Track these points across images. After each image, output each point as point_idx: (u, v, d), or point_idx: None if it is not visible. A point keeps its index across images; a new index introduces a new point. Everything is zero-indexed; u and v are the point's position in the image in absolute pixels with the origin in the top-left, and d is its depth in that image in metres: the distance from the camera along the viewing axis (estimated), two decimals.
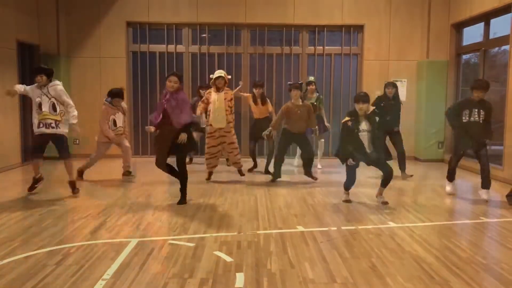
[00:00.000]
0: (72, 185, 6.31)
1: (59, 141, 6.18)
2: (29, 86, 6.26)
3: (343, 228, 4.86)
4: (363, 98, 5.69)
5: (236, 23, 10.27)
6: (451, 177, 6.55)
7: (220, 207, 5.77)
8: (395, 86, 7.88)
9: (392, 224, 5.01)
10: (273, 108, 8.57)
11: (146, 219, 5.15)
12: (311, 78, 8.90)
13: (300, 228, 4.82)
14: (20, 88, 6.32)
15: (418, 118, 10.11)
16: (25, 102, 9.30)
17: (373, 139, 5.73)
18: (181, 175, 5.91)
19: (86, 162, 7.53)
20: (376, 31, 10.18)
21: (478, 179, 7.86)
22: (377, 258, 3.96)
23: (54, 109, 6.06)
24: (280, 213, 5.46)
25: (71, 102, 6.18)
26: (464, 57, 10.06)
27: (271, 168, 7.69)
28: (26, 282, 3.39)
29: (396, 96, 7.86)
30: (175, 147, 5.74)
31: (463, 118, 6.19)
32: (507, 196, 6.18)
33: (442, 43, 9.77)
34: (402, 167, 7.84)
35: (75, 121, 6.17)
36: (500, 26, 8.47)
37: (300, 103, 7.21)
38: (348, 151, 5.69)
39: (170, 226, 4.87)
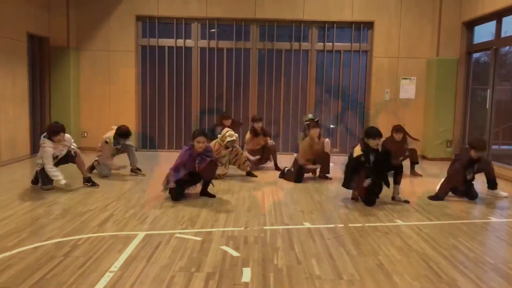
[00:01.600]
0: (88, 181, 6.50)
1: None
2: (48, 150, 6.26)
3: (350, 225, 4.85)
4: (379, 134, 5.68)
5: (245, 18, 10.24)
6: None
7: (227, 202, 5.78)
8: (402, 130, 7.78)
9: (399, 222, 4.99)
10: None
11: (154, 212, 5.17)
12: (310, 116, 8.48)
13: (307, 225, 4.81)
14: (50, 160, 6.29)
15: (427, 116, 10.05)
16: (34, 95, 9.38)
17: (378, 170, 5.72)
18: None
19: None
20: (386, 28, 10.12)
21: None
22: (384, 256, 3.94)
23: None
24: (287, 209, 5.46)
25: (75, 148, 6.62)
26: (474, 55, 9.97)
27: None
28: (34, 273, 3.42)
29: (404, 140, 7.80)
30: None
31: (468, 176, 6.12)
32: None
33: (453, 41, 9.68)
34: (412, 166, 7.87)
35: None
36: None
37: (318, 139, 7.28)
38: (353, 182, 5.74)
39: (177, 220, 4.88)
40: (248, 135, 8.33)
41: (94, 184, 6.47)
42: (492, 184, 6.37)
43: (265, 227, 4.70)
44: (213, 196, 5.97)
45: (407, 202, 5.90)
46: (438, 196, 6.14)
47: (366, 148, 5.69)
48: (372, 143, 5.67)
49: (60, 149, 6.37)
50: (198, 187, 6.03)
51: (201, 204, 5.59)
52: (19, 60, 8.65)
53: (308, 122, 7.72)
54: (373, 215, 5.28)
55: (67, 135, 6.50)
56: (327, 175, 7.46)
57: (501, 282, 3.48)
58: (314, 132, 7.21)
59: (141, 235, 4.35)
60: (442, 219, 5.22)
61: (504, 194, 6.41)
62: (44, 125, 9.65)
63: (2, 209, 5.18)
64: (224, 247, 4.04)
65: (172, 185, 5.67)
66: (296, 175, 7.13)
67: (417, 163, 7.99)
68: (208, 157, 5.72)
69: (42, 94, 9.69)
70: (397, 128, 7.80)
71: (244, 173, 7.58)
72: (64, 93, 9.82)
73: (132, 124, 10.14)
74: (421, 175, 7.88)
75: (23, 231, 4.39)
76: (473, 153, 6.04)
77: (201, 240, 4.22)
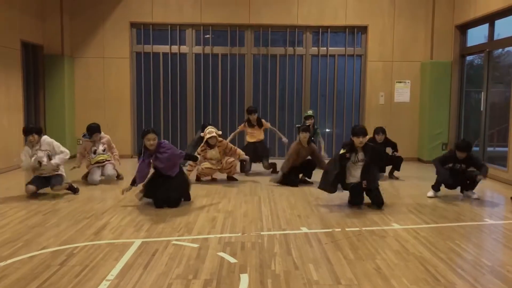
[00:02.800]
0: (70, 188, 6.49)
1: (58, 178, 6.38)
2: (22, 153, 6.32)
3: (347, 229, 4.84)
4: (362, 133, 5.74)
5: (239, 24, 10.27)
6: (437, 187, 6.53)
7: (223, 208, 5.77)
8: (384, 132, 7.88)
9: (396, 226, 4.99)
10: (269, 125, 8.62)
11: (150, 219, 5.14)
12: (310, 112, 8.75)
13: (304, 229, 4.80)
14: (27, 161, 6.35)
15: (421, 119, 10.09)
16: (29, 103, 9.35)
17: (368, 168, 5.75)
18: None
19: None
20: (380, 32, 10.17)
21: (482, 181, 7.86)
22: (382, 260, 3.94)
23: (50, 159, 6.29)
24: (284, 214, 5.45)
25: (66, 150, 6.41)
26: (468, 58, 10.03)
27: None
28: (30, 282, 3.39)
29: (385, 141, 7.91)
30: (170, 191, 5.75)
31: (447, 165, 6.38)
32: None
33: (446, 44, 9.74)
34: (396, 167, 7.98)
35: (58, 162, 6.30)
36: (505, 27, 8.45)
37: (307, 145, 7.29)
38: (331, 181, 5.75)
39: (173, 227, 4.86)
40: (240, 126, 8.45)
41: (74, 190, 6.47)
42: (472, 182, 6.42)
43: (262, 233, 4.68)
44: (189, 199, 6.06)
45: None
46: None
47: (351, 146, 5.75)
48: (356, 140, 5.72)
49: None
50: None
51: (197, 211, 5.57)
52: (13, 68, 8.62)
53: (298, 126, 7.75)
54: (370, 219, 5.27)
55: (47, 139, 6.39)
56: (307, 179, 7.48)
57: (499, 284, 3.48)
58: (304, 136, 7.22)
59: (137, 242, 4.33)
60: (439, 221, 5.22)
61: (475, 195, 6.45)
62: None
63: None
64: (221, 254, 4.02)
65: (140, 194, 5.88)
66: (280, 180, 7.26)
67: (398, 170, 8.00)
68: (164, 153, 5.69)
69: (36, 102, 9.67)
70: (379, 130, 7.86)
71: (226, 177, 7.63)
72: (58, 101, 9.78)
73: (127, 131, 10.16)
74: (397, 178, 7.94)
75: (19, 240, 4.36)
76: (458, 154, 6.25)
77: (198, 247, 4.20)
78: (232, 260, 3.88)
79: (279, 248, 4.20)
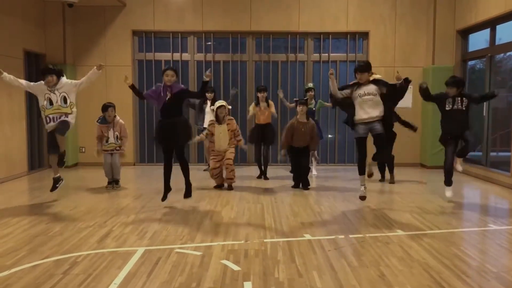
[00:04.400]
0: (61, 158, 6.39)
1: (65, 123, 6.21)
2: (33, 83, 6.38)
3: (350, 236, 4.82)
4: (361, 67, 5.92)
5: (241, 31, 10.30)
6: (448, 180, 6.49)
7: (226, 215, 5.76)
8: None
9: (400, 232, 4.97)
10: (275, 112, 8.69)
11: (153, 227, 5.13)
12: (310, 85, 8.96)
13: (308, 237, 4.79)
14: (22, 82, 6.41)
15: (424, 124, 10.07)
16: (32, 111, 9.37)
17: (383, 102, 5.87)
18: (183, 166, 6.06)
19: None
20: (381, 38, 10.18)
21: (484, 185, 7.85)
22: (386, 266, 3.92)
23: (65, 101, 6.21)
24: (287, 221, 5.43)
25: (80, 81, 6.42)
26: (470, 63, 10.03)
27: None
28: None
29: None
30: (174, 138, 5.91)
31: (447, 106, 6.39)
32: None
33: (448, 49, 9.74)
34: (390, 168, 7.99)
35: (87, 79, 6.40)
36: (506, 32, 8.45)
37: (305, 120, 7.35)
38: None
39: (176, 235, 4.85)
40: (252, 106, 8.48)
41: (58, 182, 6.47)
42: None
43: (265, 240, 4.67)
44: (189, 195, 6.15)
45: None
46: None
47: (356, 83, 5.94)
48: (357, 77, 5.87)
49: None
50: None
51: (200, 218, 5.56)
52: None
53: (296, 99, 7.84)
54: (374, 225, 5.25)
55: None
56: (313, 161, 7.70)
57: None
58: (301, 109, 7.30)
59: (140, 250, 4.32)
60: (442, 227, 5.20)
61: (460, 168, 6.48)
62: (42, 142, 9.64)
63: (0, 227, 5.13)
64: (225, 261, 4.01)
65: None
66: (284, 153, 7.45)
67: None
68: (178, 88, 5.95)
69: (39, 111, 9.65)
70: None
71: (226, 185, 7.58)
72: None
73: (130, 139, 10.14)
74: (393, 183, 7.94)
75: (22, 249, 4.35)
76: (447, 90, 6.37)
77: (201, 255, 4.19)
78: (236, 267, 3.87)
79: (282, 256, 4.18)
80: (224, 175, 7.45)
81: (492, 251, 4.49)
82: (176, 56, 10.44)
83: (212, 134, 7.39)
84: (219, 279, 3.63)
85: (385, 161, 7.26)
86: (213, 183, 7.51)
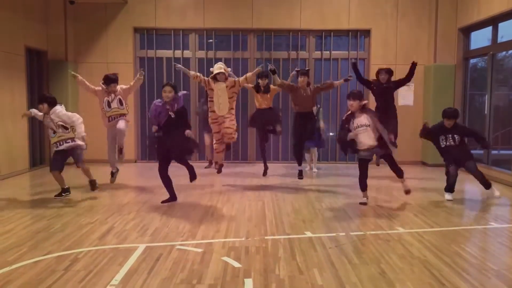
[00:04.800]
0: (92, 184, 6.72)
1: (75, 151, 6.52)
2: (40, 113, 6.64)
3: (351, 233, 4.82)
4: (353, 95, 5.93)
5: (242, 28, 10.30)
6: (451, 189, 6.51)
7: (227, 212, 5.76)
8: (388, 72, 7.87)
9: (400, 230, 4.98)
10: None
11: (154, 224, 5.14)
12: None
13: (308, 234, 4.79)
14: (34, 112, 6.80)
15: None
16: (33, 108, 9.37)
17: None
18: (188, 166, 6.10)
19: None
20: (383, 36, 10.16)
21: None
22: (386, 264, 3.92)
23: (65, 128, 6.42)
24: (287, 219, 5.44)
25: (75, 119, 6.46)
26: (472, 61, 10.01)
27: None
28: (35, 287, 3.40)
29: (390, 82, 7.91)
30: (175, 153, 5.96)
31: (441, 143, 6.45)
32: None
33: (450, 47, 9.72)
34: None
35: (80, 131, 6.47)
36: (507, 31, 8.43)
37: (306, 87, 7.49)
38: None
39: (177, 231, 4.86)
40: (254, 93, 8.39)
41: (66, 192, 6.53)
42: (482, 142, 6.49)
43: (266, 237, 4.68)
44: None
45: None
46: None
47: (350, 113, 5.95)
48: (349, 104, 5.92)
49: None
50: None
51: (201, 215, 5.57)
52: (18, 74, 8.66)
53: (297, 69, 7.85)
54: (374, 223, 5.26)
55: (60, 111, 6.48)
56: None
57: None
58: (302, 80, 7.42)
59: (141, 247, 4.33)
60: (443, 225, 5.20)
61: (497, 194, 6.43)
62: (43, 139, 9.66)
63: (2, 224, 5.15)
64: (225, 258, 4.02)
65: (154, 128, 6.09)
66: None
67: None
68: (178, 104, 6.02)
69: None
70: (382, 70, 7.92)
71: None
72: None
73: (131, 135, 10.16)
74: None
75: (23, 246, 4.37)
76: (445, 122, 6.36)
77: (202, 252, 4.20)
78: (236, 264, 3.87)
79: (283, 253, 4.19)
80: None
81: (493, 249, 4.50)
82: (178, 53, 10.44)
83: (210, 88, 7.18)
84: (220, 276, 3.64)
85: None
86: (212, 180, 7.52)
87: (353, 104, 5.86)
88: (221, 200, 6.42)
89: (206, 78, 7.29)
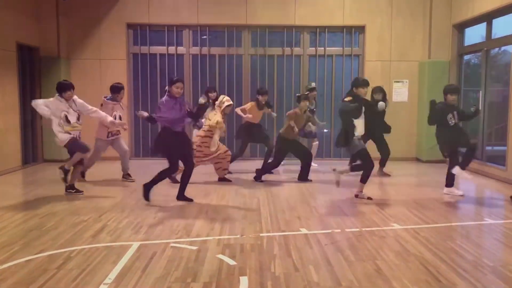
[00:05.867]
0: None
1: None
2: (48, 100, 6.40)
3: (347, 230, 4.81)
4: (367, 83, 6.12)
5: (236, 24, 10.24)
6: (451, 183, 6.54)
7: (222, 209, 5.73)
8: (382, 91, 8.02)
9: (396, 226, 4.96)
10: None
11: (148, 221, 5.09)
12: (313, 84, 8.94)
13: (304, 231, 4.77)
14: (41, 105, 6.40)
15: (420, 119, 10.06)
16: (25, 105, 9.28)
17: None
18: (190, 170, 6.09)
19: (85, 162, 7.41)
20: (378, 32, 10.14)
21: (481, 180, 7.86)
22: (382, 260, 3.90)
23: (79, 119, 6.47)
24: (283, 216, 5.40)
25: (93, 108, 6.62)
26: (466, 57, 10.02)
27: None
28: (27, 286, 3.35)
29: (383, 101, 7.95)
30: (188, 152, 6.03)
31: (450, 122, 6.33)
32: (511, 197, 6.16)
33: (444, 44, 9.72)
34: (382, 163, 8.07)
35: (109, 119, 6.70)
36: (502, 26, 8.43)
37: (303, 113, 7.59)
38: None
39: (172, 229, 4.82)
40: (251, 104, 8.31)
41: (78, 191, 6.46)
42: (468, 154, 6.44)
43: (261, 234, 4.65)
44: (190, 200, 6.05)
45: (370, 199, 6.16)
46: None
47: (356, 97, 6.03)
48: (362, 91, 6.01)
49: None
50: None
51: (196, 212, 5.53)
52: (9, 71, 8.56)
53: (299, 95, 7.91)
54: (370, 219, 5.24)
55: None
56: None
57: (500, 285, 3.45)
58: (304, 104, 7.50)
59: (135, 245, 4.29)
60: (439, 221, 5.19)
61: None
62: (36, 136, 9.57)
63: None
64: (221, 256, 3.98)
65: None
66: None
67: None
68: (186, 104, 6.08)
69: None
70: (377, 89, 8.05)
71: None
72: None
73: (125, 133, 10.07)
74: (389, 175, 7.98)
75: (16, 244, 4.31)
76: (449, 98, 6.32)
77: (197, 249, 4.16)
78: (232, 262, 3.84)
79: (278, 250, 4.16)
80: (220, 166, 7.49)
81: (488, 245, 4.49)
82: (171, 49, 10.36)
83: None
84: (215, 273, 3.60)
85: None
86: (206, 177, 7.48)
87: (367, 91, 6.12)
88: (216, 197, 6.38)
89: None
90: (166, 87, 5.93)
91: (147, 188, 5.93)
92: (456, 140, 6.36)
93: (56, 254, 4.02)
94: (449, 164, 6.49)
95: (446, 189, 6.54)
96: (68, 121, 6.26)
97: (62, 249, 4.16)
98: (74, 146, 6.30)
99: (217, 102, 7.32)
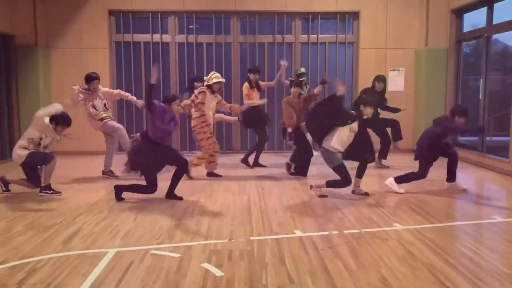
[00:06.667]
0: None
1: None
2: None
3: (345, 232, 4.39)
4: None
5: (225, 10, 9.74)
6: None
7: (209, 208, 5.28)
8: (384, 81, 7.83)
9: (398, 226, 4.55)
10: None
11: (127, 224, 4.64)
12: (302, 70, 8.62)
13: (298, 233, 4.34)
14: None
15: (417, 108, 9.67)
16: (0, 97, 8.73)
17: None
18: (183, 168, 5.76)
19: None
20: (373, 18, 9.69)
21: (481, 172, 7.51)
22: (387, 268, 3.49)
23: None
24: (275, 216, 4.96)
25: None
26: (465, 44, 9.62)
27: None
28: None
29: (383, 91, 7.85)
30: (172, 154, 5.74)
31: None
32: None
33: (442, 30, 9.29)
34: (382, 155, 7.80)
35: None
36: (504, 11, 8.02)
37: (297, 99, 7.13)
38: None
39: (153, 233, 4.36)
40: (247, 89, 7.85)
41: (55, 192, 5.90)
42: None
43: (251, 238, 4.21)
44: (180, 198, 5.65)
45: (367, 194, 5.82)
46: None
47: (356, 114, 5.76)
48: (368, 111, 5.70)
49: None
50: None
51: (180, 213, 5.07)
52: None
53: (291, 79, 7.65)
54: (369, 219, 4.83)
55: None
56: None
57: None
58: (295, 91, 7.11)
59: (111, 252, 3.84)
60: (444, 220, 4.80)
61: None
62: (13, 130, 9.04)
63: None
64: (206, 265, 3.55)
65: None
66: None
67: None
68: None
69: (8, 97, 9.03)
70: (380, 78, 7.82)
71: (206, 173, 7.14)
72: (33, 95, 9.14)
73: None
74: (387, 167, 7.72)
75: None
76: (460, 120, 5.80)
77: (180, 257, 3.72)
78: (218, 273, 3.41)
79: (271, 257, 3.72)
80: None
81: (501, 248, 4.10)
82: (156, 37, 9.84)
83: (201, 103, 6.76)
84: (199, 286, 3.17)
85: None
86: (194, 172, 7.03)
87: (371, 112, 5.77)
88: (203, 195, 5.93)
89: (199, 91, 6.82)
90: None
91: (119, 190, 5.61)
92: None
93: (18, 266, 3.55)
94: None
95: (390, 180, 6.09)
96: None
97: (26, 259, 3.69)
98: (35, 159, 5.78)
99: (205, 77, 6.95)
